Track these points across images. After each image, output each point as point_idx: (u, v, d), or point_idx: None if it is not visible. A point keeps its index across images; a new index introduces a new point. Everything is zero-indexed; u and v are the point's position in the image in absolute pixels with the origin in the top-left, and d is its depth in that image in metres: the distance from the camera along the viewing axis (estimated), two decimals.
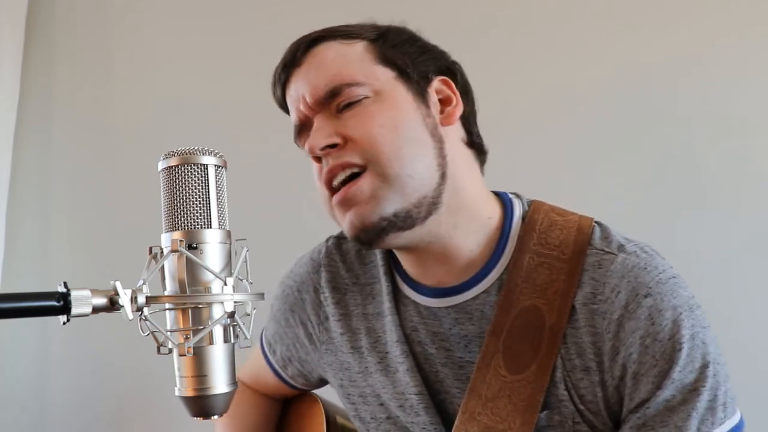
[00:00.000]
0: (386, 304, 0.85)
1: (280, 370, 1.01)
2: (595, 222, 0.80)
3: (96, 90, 1.75)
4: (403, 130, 0.76)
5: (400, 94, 0.79)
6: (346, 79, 0.77)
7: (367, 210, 0.74)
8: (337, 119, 0.77)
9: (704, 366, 0.69)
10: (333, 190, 0.77)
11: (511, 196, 0.85)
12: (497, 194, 0.85)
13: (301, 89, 0.79)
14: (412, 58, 0.81)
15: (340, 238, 0.94)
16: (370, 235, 0.75)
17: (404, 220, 0.75)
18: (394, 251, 0.86)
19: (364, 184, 0.74)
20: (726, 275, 1.32)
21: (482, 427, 0.74)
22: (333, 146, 0.76)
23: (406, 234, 0.76)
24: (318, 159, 0.78)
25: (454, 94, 0.83)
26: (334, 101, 0.77)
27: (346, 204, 0.75)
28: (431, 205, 0.76)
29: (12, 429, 1.72)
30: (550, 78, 1.44)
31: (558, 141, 1.42)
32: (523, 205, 0.84)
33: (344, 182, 0.76)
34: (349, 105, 0.77)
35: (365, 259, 0.91)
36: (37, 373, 1.73)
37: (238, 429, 1.06)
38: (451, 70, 0.85)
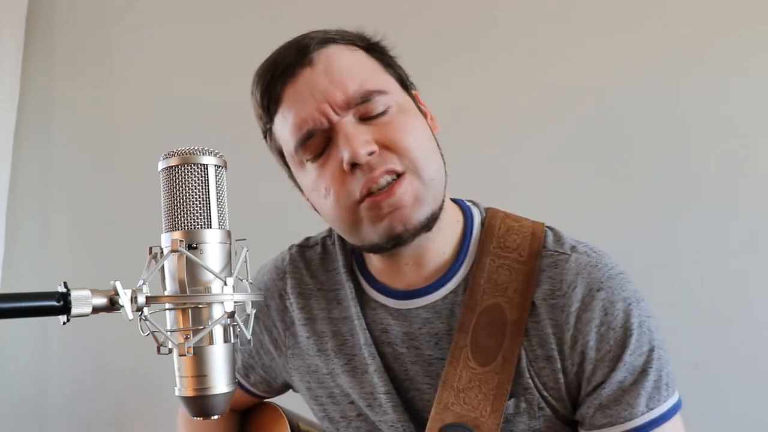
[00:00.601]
0: (352, 309, 0.88)
1: (241, 379, 1.02)
2: (547, 227, 0.86)
3: (96, 90, 1.75)
4: (426, 138, 0.81)
5: (411, 104, 0.83)
6: (375, 87, 0.78)
7: (411, 212, 0.77)
8: (365, 126, 0.77)
9: (651, 350, 0.77)
10: (365, 197, 0.76)
11: (468, 203, 0.90)
12: (455, 201, 0.90)
13: (319, 91, 0.76)
14: (399, 69, 0.86)
15: (303, 246, 0.97)
16: (408, 235, 0.78)
17: (433, 221, 0.80)
18: (369, 256, 0.88)
19: (407, 186, 0.76)
20: (726, 275, 1.32)
21: (456, 415, 0.79)
22: (371, 153, 0.76)
23: (426, 236, 0.81)
24: (352, 168, 0.75)
25: (425, 106, 0.87)
26: (362, 108, 0.77)
27: (389, 207, 0.76)
28: (442, 208, 0.82)
29: (12, 429, 1.72)
30: (549, 78, 1.44)
31: (557, 141, 1.42)
32: (480, 211, 0.89)
33: (381, 188, 0.76)
34: (379, 114, 0.78)
35: (329, 266, 0.93)
36: (37, 373, 1.73)
37: None
38: (410, 82, 0.88)
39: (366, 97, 0.77)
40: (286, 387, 1.02)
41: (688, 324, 1.29)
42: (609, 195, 1.39)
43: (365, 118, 0.77)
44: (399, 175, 0.76)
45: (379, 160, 0.75)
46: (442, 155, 0.83)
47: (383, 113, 0.78)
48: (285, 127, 0.80)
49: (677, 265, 1.33)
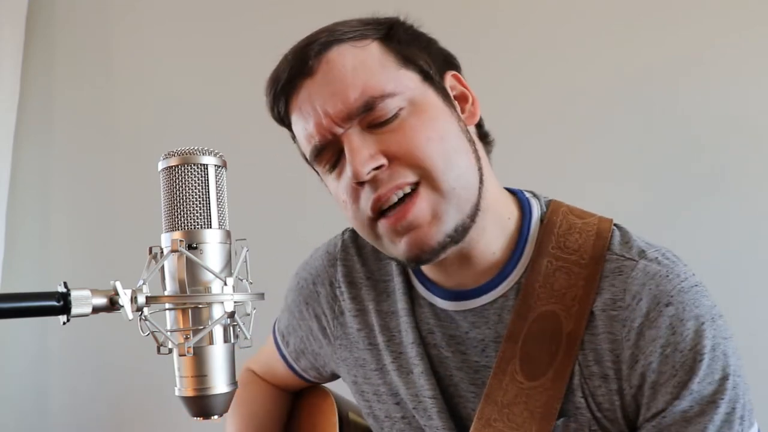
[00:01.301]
0: (401, 304, 0.83)
1: (292, 362, 0.99)
2: (615, 225, 0.78)
3: (96, 90, 1.75)
4: (448, 139, 0.72)
5: (432, 99, 0.74)
6: (377, 91, 0.71)
7: (430, 232, 0.70)
8: (373, 135, 0.71)
9: (724, 378, 0.68)
10: (379, 215, 0.71)
11: (528, 195, 0.82)
12: (512, 192, 0.82)
13: (321, 103, 0.71)
14: (426, 54, 0.77)
15: (356, 231, 0.88)
16: (430, 255, 0.72)
17: (462, 234, 0.72)
18: None
19: (423, 203, 0.70)
20: (726, 275, 1.32)
21: None
22: (378, 167, 0.70)
23: (458, 246, 0.73)
24: (359, 184, 0.71)
25: (467, 89, 0.79)
26: (366, 116, 0.71)
27: (405, 229, 0.70)
28: (476, 212, 0.73)
29: (12, 429, 1.72)
30: (550, 78, 1.44)
31: (558, 141, 1.42)
32: (541, 205, 0.81)
33: (395, 203, 0.71)
34: (386, 120, 0.71)
35: (381, 255, 0.86)
36: (37, 373, 1.73)
37: (249, 418, 1.04)
38: (454, 63, 0.81)
39: (369, 105, 0.70)
40: (335, 376, 0.98)
41: None
42: (608, 195, 1.39)
43: (374, 125, 0.71)
44: (414, 187, 0.70)
45: (388, 174, 0.70)
46: (475, 150, 0.75)
47: (393, 118, 0.71)
48: (300, 138, 0.77)
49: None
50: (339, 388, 1.03)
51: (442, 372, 0.81)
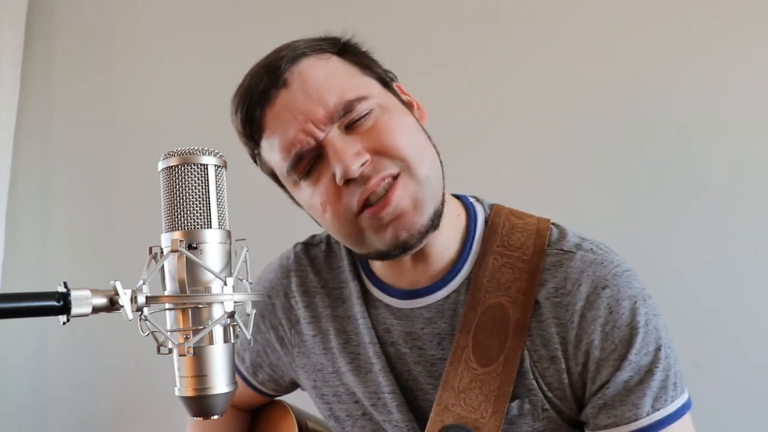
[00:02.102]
0: (357, 308, 0.88)
1: (249, 377, 1.02)
2: (552, 223, 0.85)
3: (96, 90, 1.75)
4: (415, 134, 0.79)
5: (394, 102, 0.81)
6: (353, 95, 0.76)
7: (414, 218, 0.76)
8: (352, 135, 0.75)
9: (657, 349, 0.75)
10: (363, 209, 0.75)
11: (471, 199, 0.89)
12: (457, 197, 0.89)
13: (300, 111, 0.75)
14: (376, 65, 0.83)
15: (307, 245, 0.97)
16: (415, 241, 0.77)
17: (438, 219, 0.78)
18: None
19: (402, 191, 0.75)
20: (726, 275, 1.32)
21: (456, 417, 0.78)
22: (363, 163, 0.74)
23: (434, 234, 0.79)
24: (346, 183, 0.74)
25: (410, 95, 0.86)
26: (345, 119, 0.75)
27: (390, 216, 0.74)
28: (444, 202, 0.80)
29: (12, 429, 1.72)
30: (547, 79, 1.44)
31: (555, 142, 1.42)
32: (484, 208, 0.88)
33: (380, 197, 0.75)
34: (360, 119, 0.76)
35: (333, 265, 0.93)
36: (37, 373, 1.73)
37: None
38: (393, 75, 0.86)
39: (347, 107, 0.75)
40: (294, 385, 1.01)
41: (688, 324, 1.29)
42: (608, 195, 1.39)
43: (350, 126, 0.76)
44: (395, 178, 0.75)
45: (373, 168, 0.74)
46: (434, 146, 0.82)
47: (366, 116, 0.76)
48: (273, 151, 0.78)
49: (677, 265, 1.33)
50: (296, 400, 1.04)
51: (401, 368, 0.85)
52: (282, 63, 0.76)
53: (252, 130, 0.79)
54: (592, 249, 0.80)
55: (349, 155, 0.73)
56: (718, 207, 1.34)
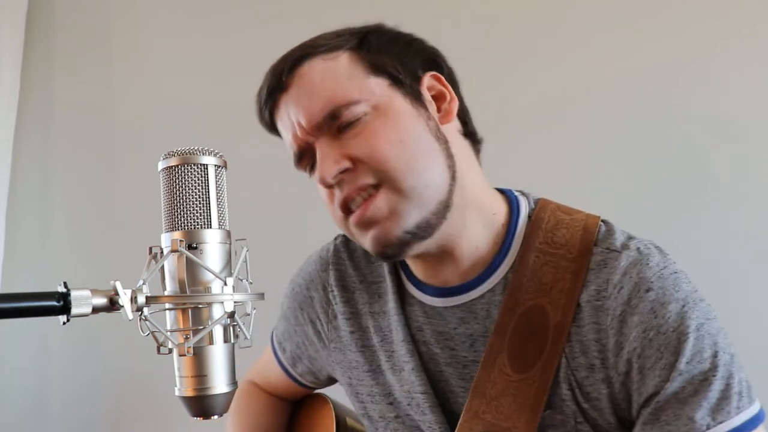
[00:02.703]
0: (391, 304, 0.85)
1: (289, 368, 1.01)
2: (602, 221, 0.80)
3: (96, 90, 1.75)
4: (410, 141, 0.75)
5: (398, 103, 0.77)
6: (341, 100, 0.74)
7: (388, 227, 0.73)
8: (339, 141, 0.75)
9: (714, 356, 0.68)
10: (349, 212, 0.76)
11: (516, 193, 0.84)
12: (502, 191, 0.84)
13: (294, 116, 0.76)
14: (399, 58, 0.79)
15: (348, 237, 0.91)
16: (394, 249, 0.75)
17: (425, 230, 0.75)
18: None
19: (380, 201, 0.73)
20: (726, 275, 1.32)
21: (486, 425, 0.74)
22: (343, 171, 0.74)
23: (426, 242, 0.76)
24: (329, 187, 0.76)
25: (446, 88, 0.81)
26: (334, 124, 0.75)
27: (366, 225, 0.74)
28: (445, 208, 0.76)
29: (12, 429, 1.72)
30: (549, 78, 1.44)
31: (558, 141, 1.42)
32: (529, 203, 0.83)
33: (358, 204, 0.75)
34: (350, 124, 0.74)
35: (372, 258, 0.90)
36: (37, 373, 1.73)
37: (249, 428, 1.06)
38: (436, 62, 0.83)
39: (334, 114, 0.74)
40: (332, 380, 0.99)
41: None
42: (608, 195, 1.39)
43: (341, 130, 0.75)
44: (377, 187, 0.73)
45: (352, 177, 0.74)
46: (447, 149, 0.77)
47: (356, 122, 0.74)
48: (286, 146, 0.82)
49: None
50: (337, 394, 1.04)
51: (432, 368, 0.82)
52: (285, 66, 0.77)
53: (268, 126, 0.83)
54: (638, 248, 0.74)
55: (327, 164, 0.74)
56: (719, 207, 1.34)
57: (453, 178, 0.77)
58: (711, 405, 0.67)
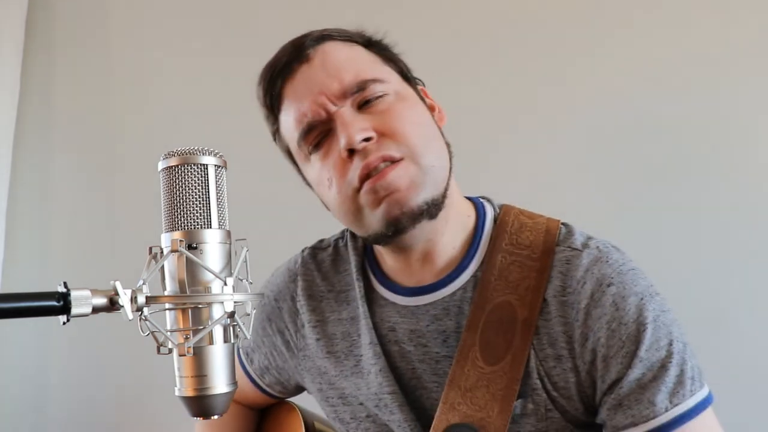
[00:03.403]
0: (361, 309, 0.88)
1: (257, 379, 1.03)
2: (562, 223, 0.85)
3: (96, 90, 1.75)
4: (426, 126, 0.81)
5: (412, 94, 0.83)
6: (370, 75, 0.79)
7: (408, 195, 0.76)
8: (363, 114, 0.78)
9: (669, 344, 0.74)
10: (363, 182, 0.77)
11: (482, 200, 0.90)
12: (468, 198, 0.90)
13: (317, 84, 0.78)
14: (402, 63, 0.86)
15: (315, 249, 0.97)
16: (405, 220, 0.77)
17: (435, 208, 0.79)
18: (381, 253, 0.88)
19: (401, 170, 0.76)
20: (725, 275, 1.32)
21: (462, 415, 0.77)
22: (368, 140, 0.76)
23: (430, 225, 0.80)
24: (349, 155, 0.76)
25: (433, 100, 0.88)
26: (358, 96, 0.78)
27: (384, 190, 0.75)
28: (446, 196, 0.80)
29: (12, 429, 1.72)
30: (547, 81, 1.44)
31: (557, 142, 1.42)
32: (494, 208, 0.88)
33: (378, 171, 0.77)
34: (371, 101, 0.78)
35: (339, 268, 0.93)
36: (37, 373, 1.73)
37: None
38: (420, 82, 0.89)
39: (362, 86, 0.78)
40: (300, 389, 1.02)
41: (688, 324, 1.29)
42: (608, 195, 1.39)
43: (363, 106, 0.78)
44: (397, 162, 0.76)
45: (376, 146, 0.76)
46: (447, 144, 0.83)
47: (380, 98, 0.79)
48: (288, 122, 0.82)
49: (677, 265, 1.33)
50: (304, 401, 1.05)
51: (404, 366, 0.85)
52: (307, 40, 0.81)
53: (272, 100, 0.83)
54: (598, 247, 0.80)
55: (355, 128, 0.76)
56: (720, 207, 1.34)
57: (450, 171, 0.83)
58: (668, 389, 0.72)
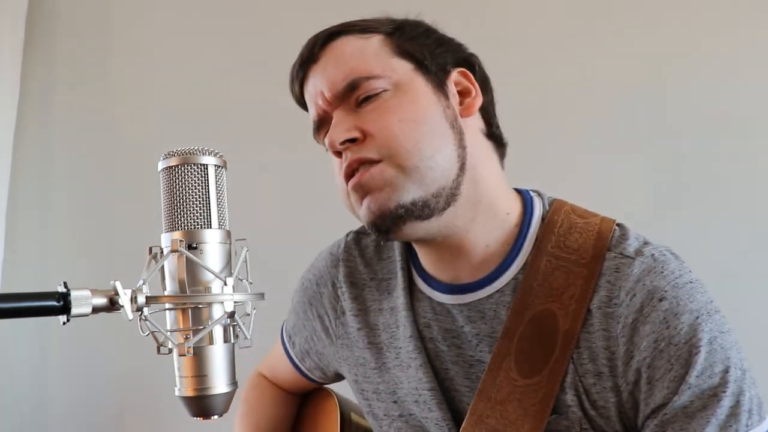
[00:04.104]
0: (401, 300, 0.84)
1: (298, 362, 1.01)
2: (617, 225, 0.78)
3: (96, 90, 1.75)
4: (423, 123, 0.76)
5: (419, 86, 0.78)
6: (363, 73, 0.77)
7: (383, 196, 0.74)
8: (356, 113, 0.77)
9: (725, 371, 0.67)
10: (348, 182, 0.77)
11: (532, 194, 0.83)
12: (519, 191, 0.84)
13: (319, 85, 0.79)
14: (429, 50, 0.80)
15: (359, 233, 0.94)
16: (387, 222, 0.74)
17: (422, 210, 0.74)
18: (413, 245, 0.85)
19: (375, 172, 0.74)
20: (726, 275, 1.32)
21: (490, 429, 0.73)
22: (353, 140, 0.75)
23: (424, 225, 0.75)
24: (338, 154, 0.77)
25: (473, 85, 0.82)
26: (353, 95, 0.77)
27: (361, 190, 0.75)
28: (450, 196, 0.75)
29: (12, 429, 1.72)
30: (552, 79, 1.44)
31: (557, 143, 1.42)
32: (543, 204, 0.82)
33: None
34: (368, 98, 0.76)
35: (383, 255, 0.90)
36: (37, 374, 1.73)
37: (257, 422, 1.07)
38: (469, 62, 0.84)
39: (353, 85, 0.76)
40: (340, 376, 0.99)
41: None
42: (609, 195, 1.39)
43: (362, 103, 0.77)
44: (377, 162, 0.74)
45: (357, 148, 0.75)
46: (461, 140, 0.77)
47: (375, 97, 0.76)
48: (310, 119, 0.84)
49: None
50: (344, 390, 1.04)
51: (439, 365, 0.82)
52: (318, 39, 0.81)
53: (299, 101, 0.85)
54: (653, 255, 0.72)
55: (338, 129, 0.76)
56: (720, 207, 1.34)
57: (462, 168, 0.77)
58: (719, 422, 0.65)
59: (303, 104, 0.85)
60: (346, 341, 0.91)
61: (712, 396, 0.66)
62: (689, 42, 1.37)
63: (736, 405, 0.66)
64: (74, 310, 0.49)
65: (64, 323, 0.49)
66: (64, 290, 0.49)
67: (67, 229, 1.75)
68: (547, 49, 1.44)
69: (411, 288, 0.85)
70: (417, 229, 0.75)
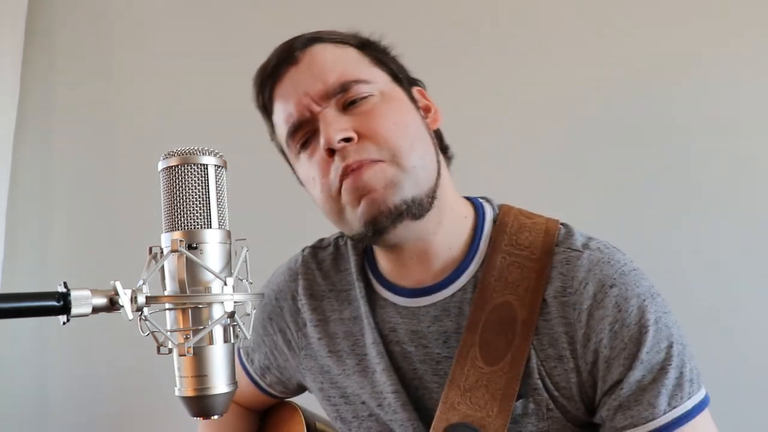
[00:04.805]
0: (363, 309, 0.88)
1: (258, 379, 1.03)
2: (561, 224, 0.85)
3: (96, 90, 1.75)
4: (412, 128, 0.81)
5: (400, 95, 0.84)
6: (353, 76, 0.79)
7: (384, 195, 0.76)
8: (346, 116, 0.78)
9: (669, 346, 0.74)
10: (342, 181, 0.78)
11: (481, 200, 0.90)
12: (468, 198, 0.90)
13: (302, 86, 0.80)
14: (396, 65, 0.87)
15: (315, 248, 0.98)
16: (385, 221, 0.77)
17: (418, 208, 0.78)
18: (378, 253, 0.89)
19: (378, 169, 0.76)
20: (726, 276, 1.32)
21: (462, 415, 0.78)
22: (347, 140, 0.77)
23: (414, 225, 0.79)
24: (330, 153, 0.78)
25: (430, 102, 0.89)
26: (342, 97, 0.79)
27: (360, 189, 0.76)
28: (434, 198, 0.80)
29: (12, 429, 1.72)
30: (544, 81, 1.44)
31: (555, 143, 1.42)
32: (493, 208, 0.88)
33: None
34: (356, 102, 0.79)
35: (340, 267, 0.94)
36: (37, 373, 1.73)
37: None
38: (418, 82, 0.90)
39: (345, 86, 0.79)
40: (301, 388, 1.02)
41: (688, 324, 1.28)
42: (608, 195, 1.39)
43: (348, 107, 0.79)
44: (376, 162, 0.77)
45: (356, 149, 0.77)
46: (436, 146, 0.84)
47: (365, 99, 0.79)
48: (279, 123, 0.84)
49: (677, 266, 1.33)
50: (305, 401, 1.05)
51: (406, 366, 0.85)
52: (297, 43, 0.83)
53: (264, 102, 0.86)
54: (599, 248, 0.80)
55: (334, 127, 0.77)
56: (720, 207, 1.34)
57: (438, 173, 0.82)
58: (668, 391, 0.73)
59: (266, 108, 0.86)
60: (310, 351, 0.94)
61: (660, 369, 0.73)
62: (689, 42, 1.37)
63: (680, 376, 0.74)
64: (74, 310, 0.49)
65: (64, 323, 0.49)
66: (64, 290, 0.49)
67: (67, 229, 1.75)
68: (547, 48, 1.44)
69: (371, 297, 0.89)
70: (409, 230, 0.79)
